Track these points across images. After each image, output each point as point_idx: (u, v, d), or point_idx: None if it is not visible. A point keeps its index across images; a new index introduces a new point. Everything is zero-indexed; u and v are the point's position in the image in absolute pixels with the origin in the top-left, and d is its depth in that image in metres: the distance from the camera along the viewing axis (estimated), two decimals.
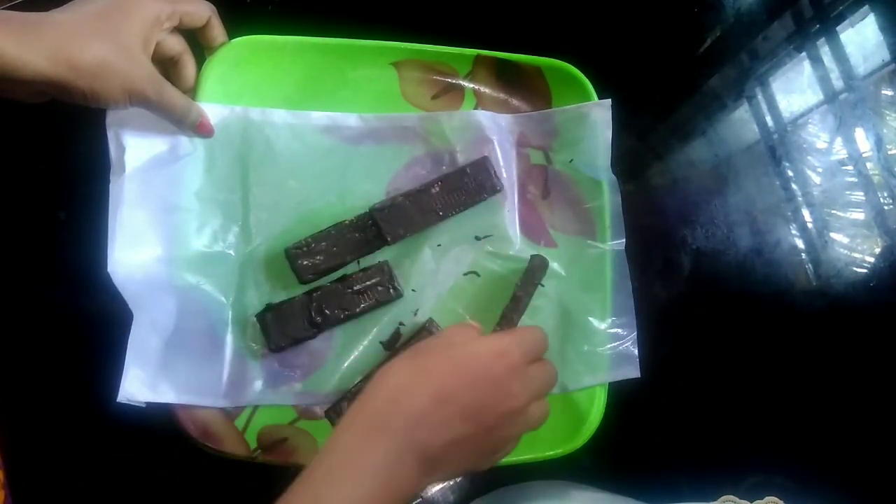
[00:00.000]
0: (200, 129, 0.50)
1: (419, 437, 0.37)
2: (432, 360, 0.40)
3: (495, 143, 0.57)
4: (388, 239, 0.52)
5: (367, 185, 0.55)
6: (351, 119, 0.55)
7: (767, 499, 0.44)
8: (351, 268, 0.54)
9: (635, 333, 0.55)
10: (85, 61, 0.41)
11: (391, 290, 0.53)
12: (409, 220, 0.53)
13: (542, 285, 0.55)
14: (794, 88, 0.66)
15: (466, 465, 0.41)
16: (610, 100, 0.56)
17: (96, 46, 0.41)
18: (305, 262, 0.52)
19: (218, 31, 0.51)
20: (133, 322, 0.47)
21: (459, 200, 0.54)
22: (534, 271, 0.54)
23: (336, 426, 0.38)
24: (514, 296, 0.53)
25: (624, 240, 0.56)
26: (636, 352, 0.55)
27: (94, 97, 0.42)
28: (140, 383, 0.47)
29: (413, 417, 0.37)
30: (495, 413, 0.40)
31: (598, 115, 0.56)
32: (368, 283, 0.53)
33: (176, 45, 0.49)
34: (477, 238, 0.56)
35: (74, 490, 0.52)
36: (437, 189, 0.54)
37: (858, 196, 0.65)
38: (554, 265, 0.57)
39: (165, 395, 0.48)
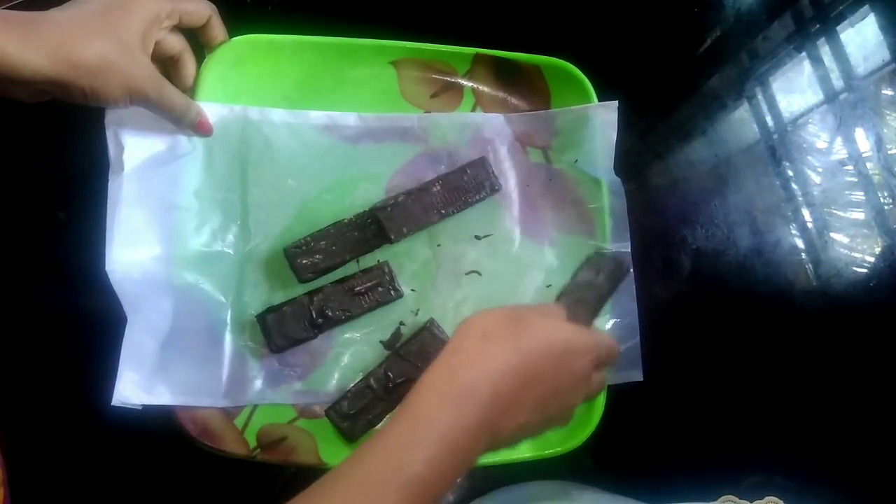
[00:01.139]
0: (199, 128, 0.50)
1: (497, 418, 0.37)
2: (527, 336, 0.39)
3: (494, 143, 0.57)
4: (392, 237, 0.52)
5: (366, 184, 0.55)
6: (350, 118, 0.55)
7: (767, 499, 0.44)
8: (350, 267, 0.54)
9: (638, 337, 0.55)
10: (85, 60, 0.41)
11: (391, 291, 0.53)
12: (412, 218, 0.53)
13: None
14: (794, 88, 0.66)
15: (508, 446, 0.40)
16: (616, 102, 0.56)
17: (97, 45, 0.41)
18: (304, 261, 0.52)
19: (218, 30, 0.51)
20: (127, 325, 0.46)
21: (460, 199, 0.54)
22: (618, 271, 0.49)
23: (421, 384, 0.37)
24: (592, 291, 0.48)
25: (628, 243, 0.56)
26: (639, 355, 0.55)
27: (94, 96, 0.42)
28: (135, 386, 0.47)
29: (499, 398, 0.36)
30: (560, 403, 0.40)
31: (605, 117, 0.56)
32: (369, 284, 0.53)
33: (176, 43, 0.49)
34: (477, 237, 0.56)
35: (74, 489, 0.52)
36: (438, 188, 0.54)
37: (858, 196, 0.65)
38: (554, 263, 0.57)
39: (162, 397, 0.48)
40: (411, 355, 0.52)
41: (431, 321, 0.54)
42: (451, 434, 0.35)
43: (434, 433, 0.35)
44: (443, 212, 0.54)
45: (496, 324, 0.39)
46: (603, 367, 0.44)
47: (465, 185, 0.55)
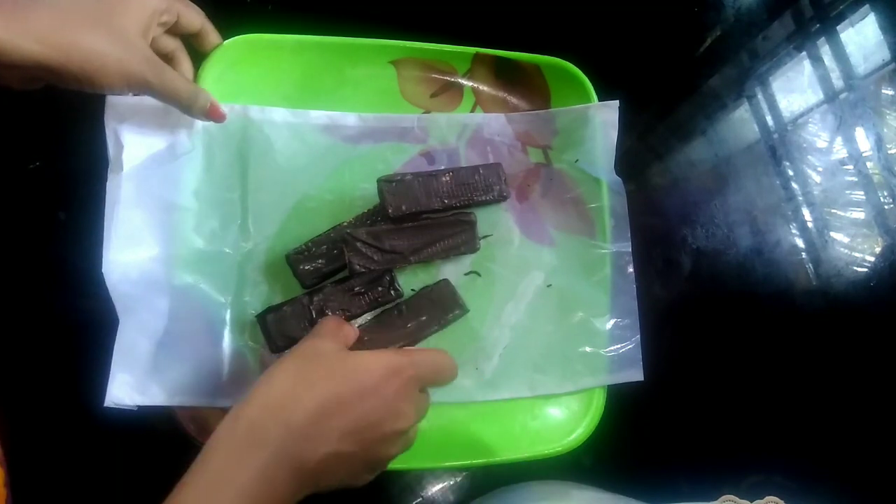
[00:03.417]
0: (211, 114, 0.48)
1: (296, 450, 0.36)
2: (319, 370, 0.39)
3: (494, 143, 0.57)
4: (390, 211, 0.51)
5: (366, 184, 0.55)
6: (350, 118, 0.55)
7: (767, 499, 0.44)
8: None
9: (638, 336, 0.55)
10: (78, 44, 0.40)
11: (391, 292, 0.53)
12: (414, 199, 0.52)
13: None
14: (794, 88, 0.66)
15: (343, 480, 0.39)
16: (617, 101, 0.56)
17: (89, 29, 0.41)
18: (307, 267, 0.52)
19: (212, 35, 0.51)
20: (119, 327, 0.46)
21: (466, 195, 0.54)
22: (446, 305, 0.54)
23: (211, 437, 0.36)
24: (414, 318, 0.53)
25: (629, 243, 0.56)
26: (639, 355, 0.55)
27: (87, 81, 0.41)
28: (128, 388, 0.47)
29: (291, 430, 0.36)
30: (379, 431, 0.39)
31: (605, 117, 0.56)
32: (369, 284, 0.53)
33: (170, 42, 0.48)
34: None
35: (75, 489, 0.52)
36: (447, 178, 0.53)
37: (858, 195, 0.65)
38: (554, 263, 0.57)
39: (156, 397, 0.48)
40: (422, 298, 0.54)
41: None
42: (243, 477, 0.35)
43: (229, 482, 0.34)
44: (446, 202, 0.53)
45: (282, 367, 0.39)
46: (429, 385, 0.43)
47: (474, 184, 0.54)
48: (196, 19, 0.49)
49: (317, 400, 0.37)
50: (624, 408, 0.56)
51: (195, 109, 0.48)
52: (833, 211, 0.64)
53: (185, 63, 0.50)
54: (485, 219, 0.56)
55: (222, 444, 0.36)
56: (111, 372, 0.46)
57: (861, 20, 0.68)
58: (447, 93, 0.58)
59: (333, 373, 0.39)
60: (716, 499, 0.44)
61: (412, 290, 0.55)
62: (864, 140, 0.66)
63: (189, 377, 0.50)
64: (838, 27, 0.68)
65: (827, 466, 0.58)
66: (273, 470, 0.35)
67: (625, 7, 0.63)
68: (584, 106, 0.56)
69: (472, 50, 0.56)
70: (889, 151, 0.66)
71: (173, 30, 0.48)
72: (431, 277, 0.55)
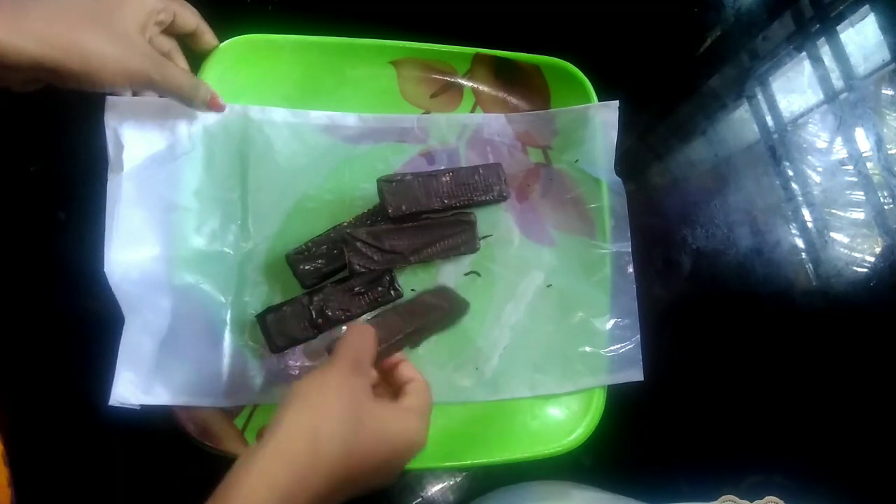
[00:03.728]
0: (212, 105, 0.49)
1: None
2: (361, 442, 0.38)
3: (494, 143, 0.57)
4: (390, 211, 0.52)
5: (366, 184, 0.55)
6: (350, 119, 0.55)
7: (767, 499, 0.44)
8: None
9: (638, 336, 0.55)
10: (76, 42, 0.40)
11: (391, 292, 0.53)
12: (414, 199, 0.52)
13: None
14: (794, 88, 0.66)
15: None
16: (617, 101, 0.56)
17: (88, 28, 0.41)
18: (307, 267, 0.52)
19: (208, 35, 0.51)
20: (124, 325, 0.46)
21: (466, 195, 0.54)
22: (452, 308, 0.54)
23: (239, 485, 0.35)
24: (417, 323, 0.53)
25: (629, 243, 0.56)
26: (639, 355, 0.55)
27: (88, 80, 0.41)
28: (133, 387, 0.47)
29: (325, 487, 0.36)
30: (378, 485, 0.41)
31: (605, 117, 0.56)
32: (369, 284, 0.53)
33: (165, 42, 0.49)
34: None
35: (78, 489, 0.52)
36: (447, 178, 0.53)
37: (858, 196, 0.65)
38: (554, 263, 0.57)
39: (160, 397, 0.48)
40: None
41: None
42: None
43: None
44: (446, 202, 0.53)
45: (330, 423, 0.38)
46: None
47: (474, 184, 0.54)
48: (191, 19, 0.49)
49: (355, 464, 0.38)
50: (624, 408, 0.56)
51: (196, 101, 0.48)
52: (833, 211, 0.64)
53: (181, 63, 0.50)
54: (485, 219, 0.56)
55: (276, 491, 0.35)
56: (116, 370, 0.46)
57: (861, 20, 0.68)
58: (447, 93, 0.58)
59: (376, 438, 0.39)
60: (716, 499, 0.44)
61: (412, 290, 0.55)
62: (864, 140, 0.66)
63: (191, 377, 0.50)
64: (838, 27, 0.68)
65: (827, 466, 0.58)
66: None
67: (625, 7, 0.63)
68: (583, 106, 0.56)
69: (472, 50, 0.56)
70: (889, 151, 0.66)
71: (169, 30, 0.48)
72: (431, 277, 0.55)
